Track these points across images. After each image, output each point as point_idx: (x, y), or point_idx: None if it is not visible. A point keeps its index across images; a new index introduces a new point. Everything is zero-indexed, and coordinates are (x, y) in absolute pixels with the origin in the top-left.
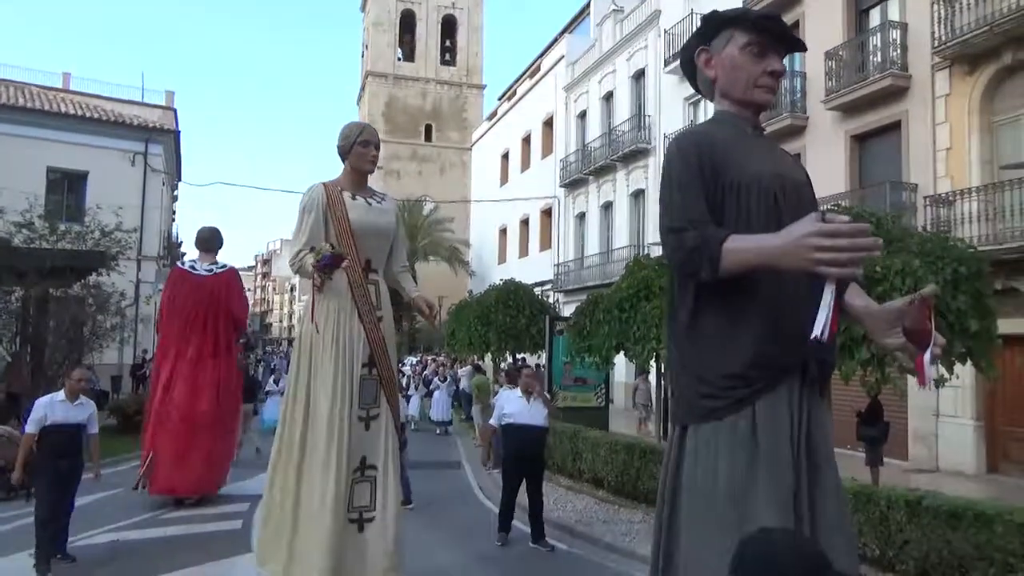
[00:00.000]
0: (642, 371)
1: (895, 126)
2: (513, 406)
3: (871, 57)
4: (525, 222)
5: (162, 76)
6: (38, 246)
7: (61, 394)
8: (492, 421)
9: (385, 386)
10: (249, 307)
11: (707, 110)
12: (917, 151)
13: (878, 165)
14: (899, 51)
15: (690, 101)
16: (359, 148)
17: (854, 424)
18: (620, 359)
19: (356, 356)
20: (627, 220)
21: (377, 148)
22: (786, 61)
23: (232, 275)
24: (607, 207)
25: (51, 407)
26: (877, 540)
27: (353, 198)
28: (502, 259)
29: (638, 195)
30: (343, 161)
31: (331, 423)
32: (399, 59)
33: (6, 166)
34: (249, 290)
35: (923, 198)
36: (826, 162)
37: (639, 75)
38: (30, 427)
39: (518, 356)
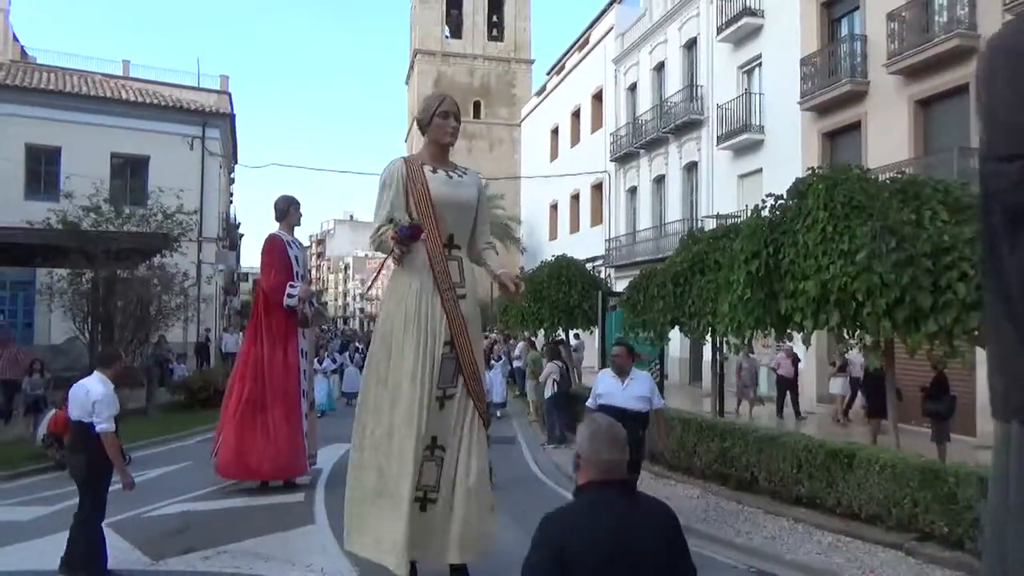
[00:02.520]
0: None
1: (963, 89)
2: (605, 385)
3: (936, 17)
4: (576, 197)
5: (216, 61)
6: (105, 229)
7: (109, 381)
8: (588, 403)
9: (465, 366)
10: (274, 276)
11: (762, 78)
12: None
13: (945, 130)
14: (966, 9)
15: (744, 69)
16: (438, 120)
17: (919, 399)
18: (675, 334)
19: (437, 335)
20: (680, 194)
21: (457, 119)
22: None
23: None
24: (659, 181)
25: (114, 395)
26: (945, 517)
27: (434, 171)
28: (553, 235)
29: (691, 168)
30: (423, 134)
31: (411, 403)
32: (446, 36)
33: (73, 153)
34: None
35: None
36: (888, 129)
37: (691, 44)
38: (112, 424)
39: (571, 332)
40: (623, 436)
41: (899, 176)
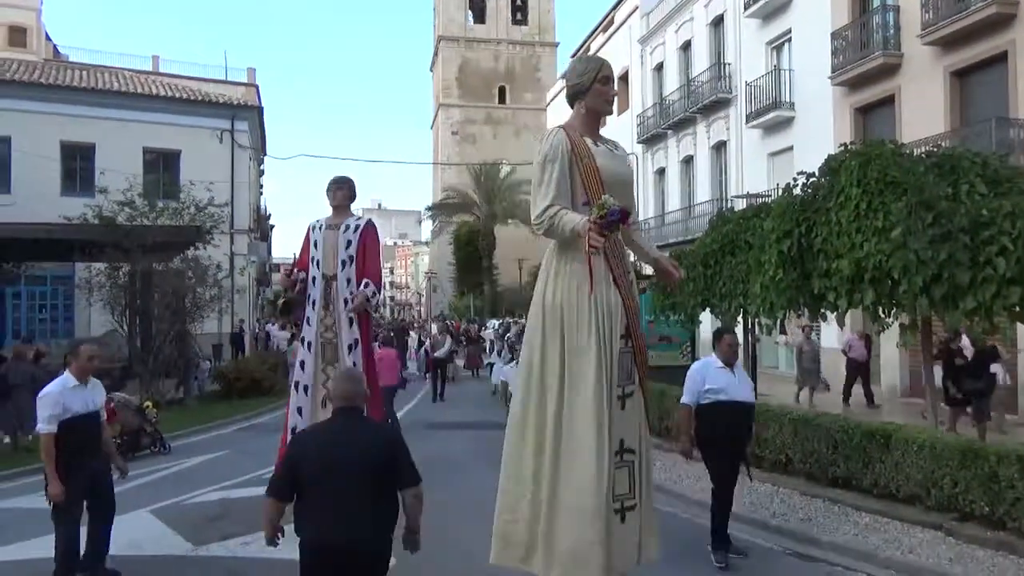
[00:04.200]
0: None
1: (1000, 58)
2: (720, 379)
3: None
4: None
5: (243, 52)
6: (140, 223)
7: (70, 378)
8: (687, 399)
9: (640, 360)
10: (297, 263)
11: (791, 54)
12: None
13: (982, 101)
14: None
15: (772, 45)
16: (599, 86)
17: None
18: (706, 316)
19: (615, 327)
20: (709, 174)
21: (615, 86)
22: None
23: None
24: (687, 161)
25: (64, 395)
26: (986, 497)
27: (595, 144)
28: None
29: (720, 147)
30: (573, 103)
31: (596, 404)
32: (470, 22)
33: (106, 149)
34: None
35: None
36: (923, 101)
37: (718, 21)
38: (47, 425)
39: None
40: (356, 373)
41: (935, 150)
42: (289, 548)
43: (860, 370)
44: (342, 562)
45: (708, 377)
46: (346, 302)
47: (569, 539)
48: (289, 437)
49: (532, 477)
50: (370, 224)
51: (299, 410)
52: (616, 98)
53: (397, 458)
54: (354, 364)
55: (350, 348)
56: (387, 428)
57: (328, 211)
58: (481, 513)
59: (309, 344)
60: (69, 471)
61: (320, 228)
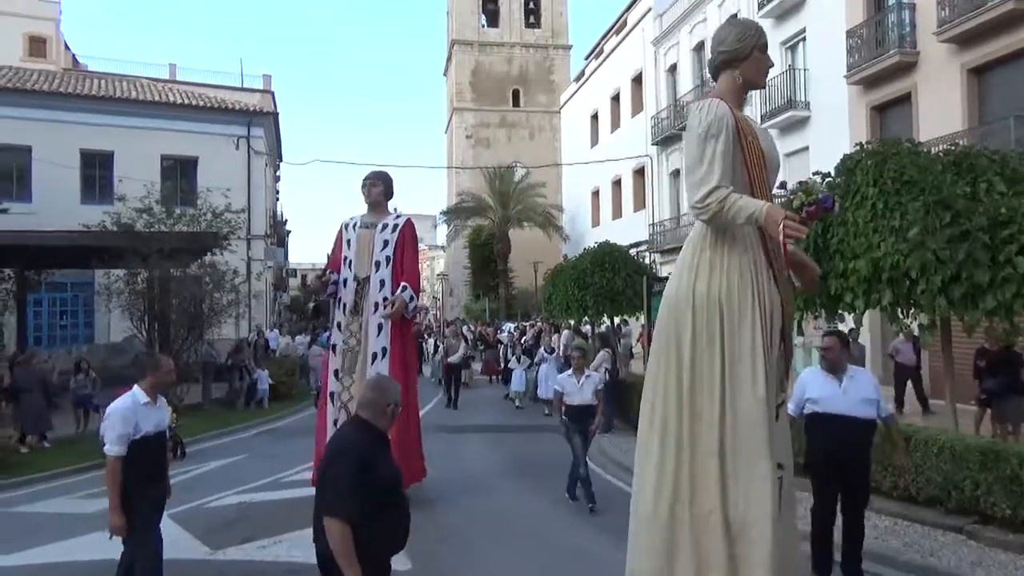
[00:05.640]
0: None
1: (1018, 54)
2: (819, 388)
3: None
4: (617, 183)
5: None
6: (157, 230)
7: (141, 394)
8: (791, 409)
9: (789, 366)
10: (330, 262)
11: (806, 54)
12: None
13: (1000, 99)
14: None
15: (787, 45)
16: (758, 54)
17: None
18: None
19: (775, 329)
20: None
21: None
22: None
23: None
24: None
25: (137, 412)
26: (1008, 499)
27: (748, 122)
28: (596, 222)
29: None
30: (720, 73)
31: (760, 415)
32: (483, 26)
33: (125, 156)
34: None
35: None
36: (939, 99)
37: None
38: (118, 446)
39: (618, 319)
40: (383, 382)
41: (952, 148)
42: (306, 551)
43: (909, 374)
44: None
45: (809, 385)
46: (376, 306)
47: (745, 567)
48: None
49: (684, 502)
50: (409, 223)
51: (335, 422)
52: (768, 70)
53: (324, 477)
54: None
55: (375, 357)
56: (338, 443)
57: (362, 208)
58: (505, 527)
59: (335, 350)
60: (133, 499)
61: (354, 226)
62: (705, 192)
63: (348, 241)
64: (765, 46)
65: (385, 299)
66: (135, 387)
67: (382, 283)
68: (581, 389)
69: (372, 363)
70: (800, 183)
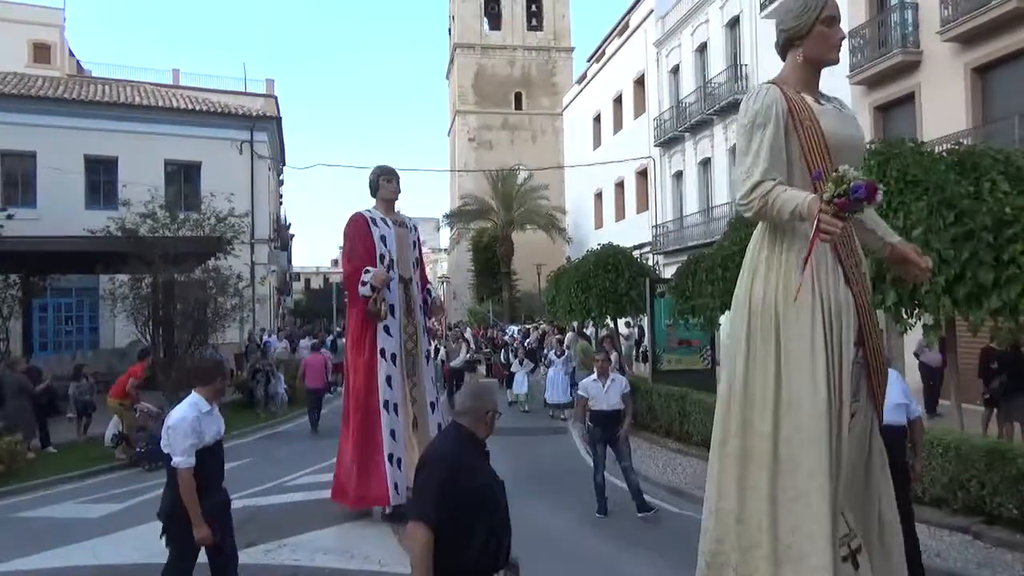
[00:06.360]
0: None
1: (1022, 53)
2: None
3: None
4: (620, 185)
5: (261, 62)
6: (161, 235)
7: (202, 402)
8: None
9: (872, 374)
10: (348, 263)
11: None
12: None
13: (1004, 98)
14: None
15: None
16: (823, 28)
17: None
18: (726, 319)
19: (847, 332)
20: (727, 176)
21: (841, 28)
22: None
23: None
24: (705, 164)
25: (201, 421)
26: (1014, 499)
27: (817, 102)
28: (599, 224)
29: None
30: (785, 53)
31: (828, 427)
32: (486, 29)
33: (129, 162)
34: None
35: None
36: (943, 99)
37: (733, 23)
38: (189, 457)
39: (622, 320)
40: (486, 386)
41: (956, 148)
42: (312, 555)
43: (933, 375)
44: None
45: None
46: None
47: None
48: (387, 464)
49: (740, 518)
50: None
51: (392, 433)
52: (840, 43)
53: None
54: (433, 376)
55: (427, 358)
56: (434, 449)
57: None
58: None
59: (393, 356)
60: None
61: (385, 223)
62: (749, 187)
63: (383, 237)
64: (831, 19)
65: (425, 302)
66: (193, 394)
67: (418, 284)
68: (607, 394)
69: (428, 364)
70: (833, 171)
